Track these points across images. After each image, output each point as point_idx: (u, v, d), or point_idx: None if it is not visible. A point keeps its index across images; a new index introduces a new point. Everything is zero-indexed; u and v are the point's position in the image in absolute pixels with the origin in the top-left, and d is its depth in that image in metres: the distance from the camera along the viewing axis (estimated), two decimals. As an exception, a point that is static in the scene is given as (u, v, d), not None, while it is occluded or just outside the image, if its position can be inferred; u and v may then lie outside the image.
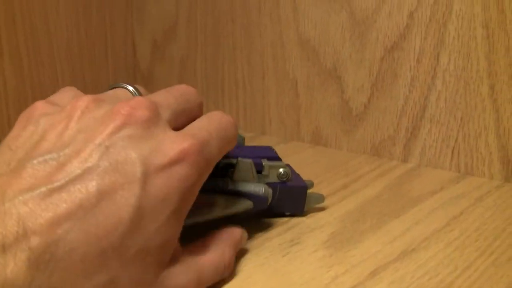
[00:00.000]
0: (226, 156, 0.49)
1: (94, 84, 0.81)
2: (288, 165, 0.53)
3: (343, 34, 0.66)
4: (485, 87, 0.58)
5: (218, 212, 0.45)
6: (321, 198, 0.53)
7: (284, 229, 0.49)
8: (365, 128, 0.67)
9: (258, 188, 0.47)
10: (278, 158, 0.52)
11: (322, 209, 0.53)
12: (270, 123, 0.75)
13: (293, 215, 0.52)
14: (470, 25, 0.58)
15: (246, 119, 0.77)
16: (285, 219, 0.51)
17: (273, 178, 0.50)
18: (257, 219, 0.50)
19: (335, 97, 0.68)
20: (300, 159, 0.66)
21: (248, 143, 0.67)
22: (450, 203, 0.54)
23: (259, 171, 0.49)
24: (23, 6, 0.72)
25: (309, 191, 0.52)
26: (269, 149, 0.55)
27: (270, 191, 0.48)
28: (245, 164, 0.48)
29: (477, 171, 0.61)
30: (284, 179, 0.50)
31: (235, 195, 0.46)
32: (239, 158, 0.48)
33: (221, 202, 0.45)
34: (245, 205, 0.46)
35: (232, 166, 0.48)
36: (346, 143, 0.69)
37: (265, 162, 0.50)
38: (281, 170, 0.50)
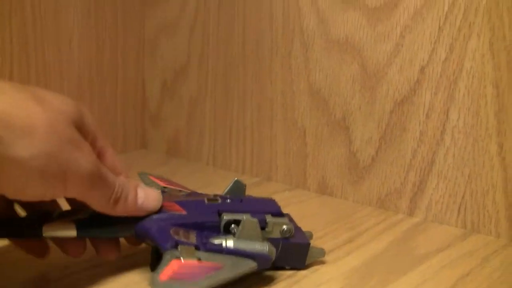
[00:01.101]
0: (231, 211, 0.49)
1: (101, 120, 0.81)
2: (289, 217, 0.53)
3: (354, 86, 0.66)
4: (494, 145, 0.58)
5: (225, 274, 0.44)
6: (322, 252, 0.52)
7: (289, 283, 0.49)
8: (372, 180, 0.67)
9: (263, 248, 0.46)
10: (281, 214, 0.52)
11: (323, 262, 0.52)
12: (277, 170, 0.74)
13: (293, 268, 0.51)
14: (480, 83, 0.58)
15: (253, 164, 0.76)
16: (289, 273, 0.50)
17: (276, 234, 0.50)
18: (260, 273, 0.49)
19: (343, 148, 0.68)
20: (305, 208, 0.66)
21: (253, 188, 0.66)
22: (457, 262, 0.53)
23: (262, 228, 0.49)
24: (37, 39, 0.72)
25: (311, 245, 0.51)
26: (272, 203, 0.54)
27: (273, 250, 0.47)
28: (251, 223, 0.47)
29: (483, 229, 0.60)
30: (287, 235, 0.50)
31: (240, 255, 0.46)
32: (245, 217, 0.48)
33: (228, 265, 0.45)
34: (250, 266, 0.45)
35: (237, 222, 0.48)
36: (352, 194, 0.68)
37: (269, 219, 0.50)
38: (284, 227, 0.50)
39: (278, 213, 0.52)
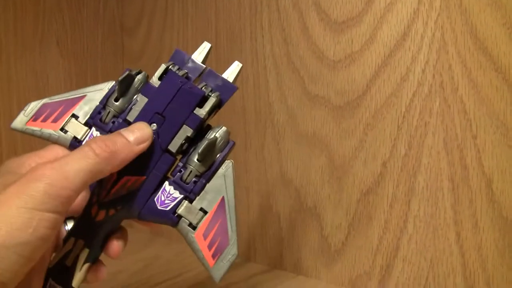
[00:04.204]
0: (169, 139, 0.48)
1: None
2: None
3: (323, 176, 0.70)
4: (452, 233, 0.62)
5: (230, 200, 0.47)
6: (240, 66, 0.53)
7: None
8: (343, 262, 0.70)
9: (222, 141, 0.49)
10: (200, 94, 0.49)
11: None
12: (255, 252, 0.77)
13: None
14: (437, 178, 0.62)
15: (232, 245, 0.79)
16: None
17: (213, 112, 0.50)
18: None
19: (315, 233, 0.71)
20: (283, 289, 0.69)
21: (234, 270, 0.69)
22: None
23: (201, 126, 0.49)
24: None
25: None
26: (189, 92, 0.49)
27: (226, 128, 0.49)
28: (208, 145, 0.47)
29: (446, 310, 0.63)
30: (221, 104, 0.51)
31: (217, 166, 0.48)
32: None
33: (222, 187, 0.48)
34: (230, 167, 0.48)
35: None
36: (326, 275, 0.71)
37: (199, 112, 0.49)
38: (217, 99, 0.49)
39: (202, 95, 0.49)
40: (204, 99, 0.49)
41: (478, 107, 0.58)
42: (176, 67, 0.50)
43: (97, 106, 0.49)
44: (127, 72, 0.49)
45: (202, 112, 0.48)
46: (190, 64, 0.51)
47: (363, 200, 0.67)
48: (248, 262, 0.78)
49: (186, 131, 0.48)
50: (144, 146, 0.46)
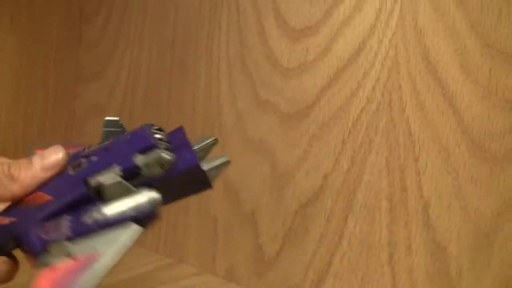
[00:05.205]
0: (96, 172, 0.41)
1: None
2: (169, 136, 0.44)
3: (264, 184, 0.68)
4: (385, 254, 0.61)
5: (103, 263, 0.37)
6: (224, 160, 0.44)
7: None
8: (275, 273, 0.68)
9: (139, 202, 0.40)
10: (152, 144, 0.41)
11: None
12: (188, 254, 0.75)
13: (202, 190, 0.44)
14: (376, 197, 0.61)
15: (167, 245, 0.77)
16: None
17: (157, 171, 0.41)
18: None
19: (251, 240, 0.70)
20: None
21: (165, 270, 0.67)
22: None
23: (136, 174, 0.41)
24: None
25: (210, 156, 0.44)
26: (144, 131, 0.43)
27: (156, 195, 0.41)
28: (112, 186, 0.40)
29: (371, 330, 0.62)
30: (168, 166, 0.41)
31: (119, 223, 0.39)
32: (104, 179, 0.40)
33: (105, 246, 0.38)
34: (132, 233, 0.39)
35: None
36: (257, 284, 0.70)
37: (139, 160, 0.41)
38: (162, 159, 0.41)
39: (149, 145, 0.41)
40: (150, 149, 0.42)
41: (423, 130, 0.58)
42: (164, 134, 0.45)
43: None
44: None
45: (139, 159, 0.41)
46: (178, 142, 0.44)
47: (301, 212, 0.66)
48: (181, 263, 0.76)
49: (114, 170, 0.41)
50: (52, 173, 0.43)
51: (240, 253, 0.71)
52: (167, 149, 0.42)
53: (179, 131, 0.46)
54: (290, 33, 0.66)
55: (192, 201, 0.74)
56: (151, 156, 0.41)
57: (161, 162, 0.41)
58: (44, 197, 0.42)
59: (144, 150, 0.41)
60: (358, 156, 0.62)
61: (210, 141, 0.45)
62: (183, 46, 0.75)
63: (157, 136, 0.43)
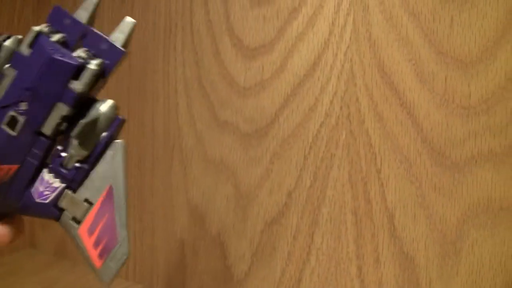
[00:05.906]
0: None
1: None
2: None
3: (228, 204, 0.67)
4: (354, 267, 0.60)
5: (119, 198, 0.39)
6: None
7: None
8: (245, 293, 0.67)
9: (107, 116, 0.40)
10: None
11: None
12: (158, 279, 0.74)
13: None
14: (341, 211, 0.60)
15: (136, 271, 0.76)
16: None
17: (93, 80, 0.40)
18: None
19: (219, 262, 0.68)
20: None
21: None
22: None
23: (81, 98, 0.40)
24: None
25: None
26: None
27: (110, 101, 0.41)
28: (86, 124, 0.40)
29: None
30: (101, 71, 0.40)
31: (102, 148, 0.40)
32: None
33: (112, 178, 0.39)
34: (121, 149, 0.40)
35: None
36: (227, 306, 0.69)
37: (76, 85, 0.40)
38: (96, 69, 0.40)
39: (76, 66, 0.40)
40: (81, 69, 0.40)
41: (383, 141, 0.57)
42: (50, 29, 0.41)
43: None
44: None
45: (77, 85, 0.39)
46: (69, 25, 0.41)
47: (267, 230, 0.65)
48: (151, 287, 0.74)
49: (61, 110, 0.39)
50: None
51: (209, 276, 0.69)
52: (89, 57, 0.40)
53: (58, 12, 0.41)
54: (245, 52, 0.65)
55: (158, 226, 0.73)
56: (86, 76, 0.40)
57: (97, 74, 0.40)
58: (7, 168, 0.40)
59: (75, 75, 0.40)
60: (320, 171, 0.61)
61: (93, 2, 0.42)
62: (141, 68, 0.74)
63: (56, 38, 0.41)
